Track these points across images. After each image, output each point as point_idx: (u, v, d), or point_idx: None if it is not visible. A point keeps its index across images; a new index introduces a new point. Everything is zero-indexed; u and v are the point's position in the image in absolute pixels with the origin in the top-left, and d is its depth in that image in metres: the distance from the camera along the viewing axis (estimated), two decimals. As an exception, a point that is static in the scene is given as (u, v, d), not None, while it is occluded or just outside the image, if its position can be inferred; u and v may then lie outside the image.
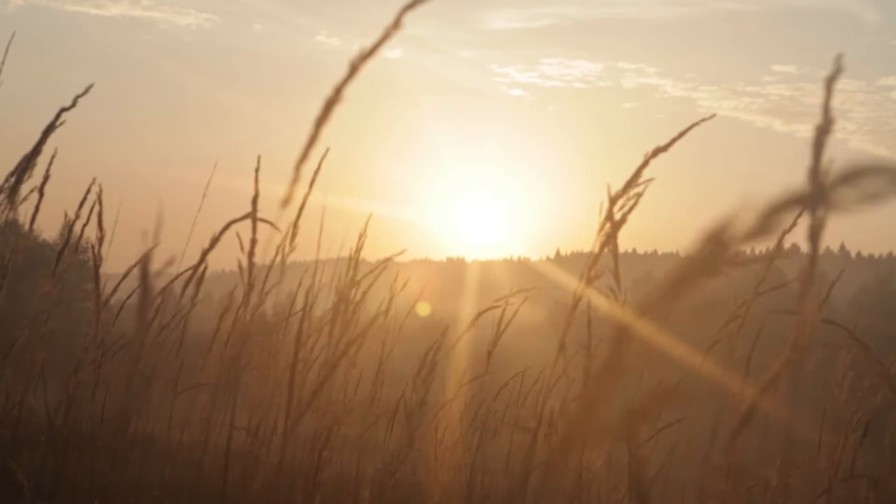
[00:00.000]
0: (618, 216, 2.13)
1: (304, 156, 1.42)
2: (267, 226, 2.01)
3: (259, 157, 2.31)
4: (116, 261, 3.29)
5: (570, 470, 2.88)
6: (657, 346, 0.64)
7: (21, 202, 2.67)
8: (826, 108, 0.81)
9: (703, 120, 2.23)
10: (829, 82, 0.84)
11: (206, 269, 3.02)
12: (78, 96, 2.67)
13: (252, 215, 2.06)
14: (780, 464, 2.74)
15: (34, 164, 2.66)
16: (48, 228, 12.83)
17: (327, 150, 2.44)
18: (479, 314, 3.60)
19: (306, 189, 2.23)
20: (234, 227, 2.37)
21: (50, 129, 2.66)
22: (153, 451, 3.77)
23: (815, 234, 0.80)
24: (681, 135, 2.10)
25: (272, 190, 1.60)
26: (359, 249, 3.48)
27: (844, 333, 2.80)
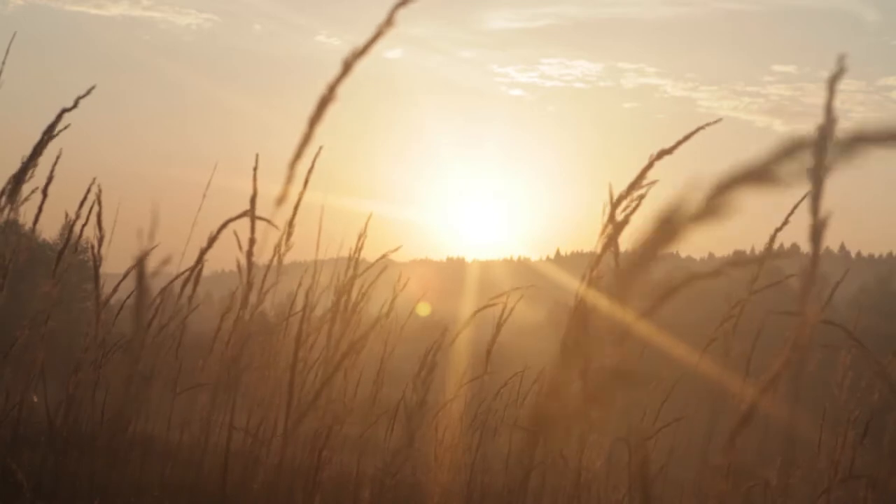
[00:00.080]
0: (620, 217, 2.12)
1: (299, 154, 1.42)
2: (265, 225, 2.01)
3: (257, 156, 2.31)
4: (116, 261, 3.29)
5: (570, 470, 2.88)
6: (621, 325, 0.65)
7: (22, 203, 2.67)
8: (828, 109, 0.81)
9: (709, 124, 2.23)
10: (832, 82, 0.84)
11: (201, 268, 3.02)
12: (79, 97, 2.67)
13: (250, 214, 2.06)
14: (780, 464, 2.74)
15: (35, 165, 2.66)
16: (48, 228, 12.82)
17: (321, 148, 2.44)
18: (476, 311, 3.60)
19: (301, 188, 2.23)
20: (234, 226, 2.37)
21: (50, 129, 2.66)
22: (153, 451, 3.77)
23: (816, 234, 0.80)
24: (686, 138, 2.09)
25: (272, 190, 1.60)
26: (359, 249, 3.48)
27: (844, 334, 2.80)
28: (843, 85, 0.84)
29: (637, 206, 2.14)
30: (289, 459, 3.13)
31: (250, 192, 2.19)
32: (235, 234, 2.33)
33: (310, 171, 2.40)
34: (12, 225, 2.83)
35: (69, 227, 3.25)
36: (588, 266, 2.11)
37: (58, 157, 2.92)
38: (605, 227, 2.13)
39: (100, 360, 3.21)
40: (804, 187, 0.59)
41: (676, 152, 2.09)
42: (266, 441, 3.29)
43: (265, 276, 2.59)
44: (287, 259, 2.79)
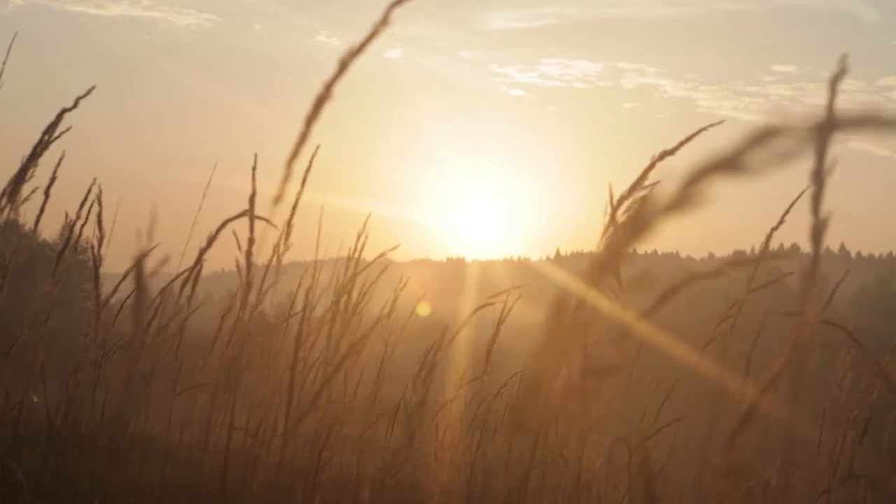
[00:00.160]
0: (622, 218, 2.12)
1: (296, 153, 1.42)
2: (265, 225, 2.01)
3: (256, 156, 2.31)
4: (116, 261, 3.29)
5: (570, 470, 2.88)
6: (602, 315, 0.65)
7: (22, 203, 2.67)
8: (830, 109, 0.81)
9: (712, 125, 2.22)
10: (834, 82, 0.84)
11: (200, 268, 3.02)
12: (79, 98, 2.67)
13: (249, 213, 2.06)
14: (780, 464, 2.74)
15: (35, 165, 2.66)
16: (48, 228, 12.80)
17: (318, 147, 2.44)
18: (475, 310, 3.60)
19: (294, 186, 2.23)
20: (233, 226, 2.37)
21: (50, 129, 2.66)
22: (153, 451, 3.77)
23: (817, 234, 0.80)
24: (688, 139, 2.09)
25: (272, 189, 1.60)
26: (361, 249, 3.48)
27: (844, 334, 2.80)
28: (843, 85, 0.84)
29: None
30: (289, 459, 3.13)
31: (250, 191, 2.19)
32: (234, 233, 2.33)
33: (307, 171, 2.40)
34: (12, 225, 2.83)
35: (70, 227, 3.25)
36: (588, 265, 2.10)
37: (61, 159, 2.92)
38: (607, 227, 2.13)
39: (100, 360, 3.21)
40: (775, 175, 0.59)
41: (677, 153, 2.09)
42: (266, 441, 3.29)
43: (264, 275, 2.59)
44: (287, 259, 2.78)
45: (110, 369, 3.31)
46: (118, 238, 3.30)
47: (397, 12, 1.31)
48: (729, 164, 0.58)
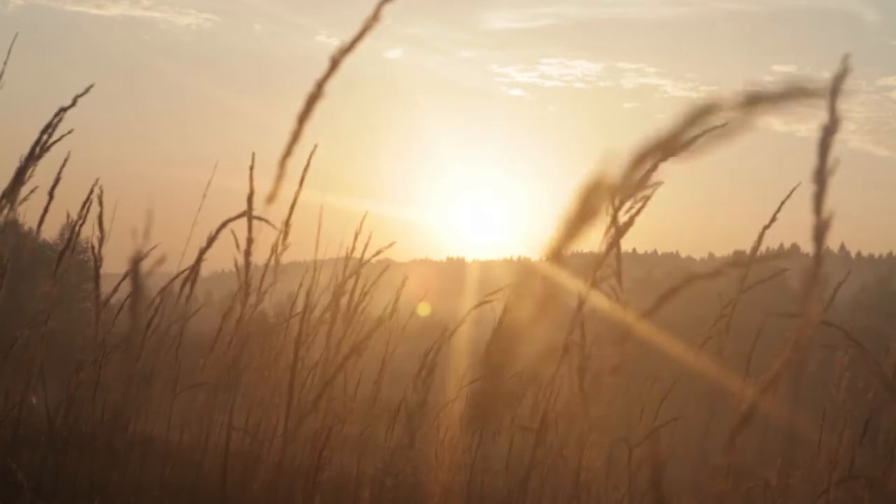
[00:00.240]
0: (624, 219, 2.12)
1: (288, 152, 1.42)
2: (264, 225, 2.01)
3: (253, 155, 2.31)
4: (116, 261, 3.29)
5: (569, 470, 2.88)
6: (557, 300, 0.66)
7: (21, 202, 2.67)
8: (832, 109, 0.80)
9: (716, 127, 2.22)
10: (836, 82, 0.84)
11: (199, 269, 3.02)
12: (77, 96, 2.67)
13: (248, 214, 2.06)
14: (781, 464, 2.74)
15: (35, 165, 2.66)
16: (47, 228, 12.80)
17: (315, 146, 2.44)
18: (473, 308, 3.60)
19: (289, 186, 2.23)
20: (232, 226, 2.37)
21: (48, 128, 2.66)
22: (153, 450, 3.77)
23: (819, 234, 0.80)
24: (691, 140, 2.08)
25: (270, 189, 1.59)
26: (363, 249, 3.48)
27: (842, 334, 2.80)
28: (843, 85, 0.84)
29: (642, 206, 2.14)
30: (289, 459, 3.13)
31: (248, 191, 2.19)
32: (233, 233, 2.33)
33: (305, 170, 2.40)
34: (12, 225, 2.83)
35: (70, 227, 3.25)
36: (591, 267, 2.10)
37: (66, 160, 2.92)
38: (608, 228, 2.13)
39: (100, 360, 3.21)
40: (713, 154, 0.60)
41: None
42: (267, 441, 3.29)
43: (263, 275, 2.59)
44: (286, 259, 2.79)
45: (110, 369, 3.31)
46: (119, 238, 3.31)
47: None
48: (670, 145, 0.59)
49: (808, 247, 0.84)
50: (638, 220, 2.13)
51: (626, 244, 2.23)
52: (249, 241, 2.09)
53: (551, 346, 0.65)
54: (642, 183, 0.59)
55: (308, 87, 1.32)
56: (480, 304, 3.60)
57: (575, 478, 2.61)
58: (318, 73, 1.32)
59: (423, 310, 4.50)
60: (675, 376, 3.76)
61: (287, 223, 2.62)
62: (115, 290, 3.31)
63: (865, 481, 2.82)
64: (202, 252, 2.61)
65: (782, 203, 2.82)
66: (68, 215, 3.29)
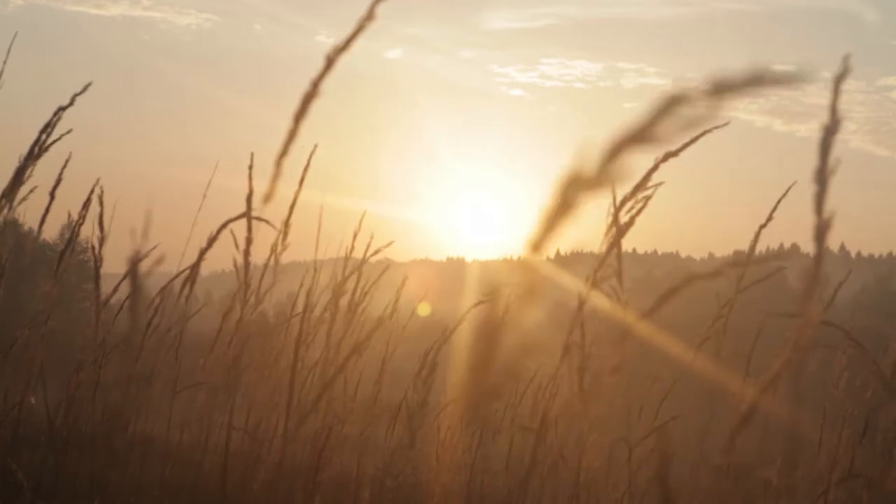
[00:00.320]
0: (625, 219, 2.12)
1: (284, 151, 1.42)
2: (264, 224, 2.01)
3: (252, 155, 2.30)
4: (116, 261, 3.29)
5: (569, 470, 2.88)
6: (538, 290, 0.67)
7: (20, 203, 2.66)
8: (834, 109, 0.80)
9: (717, 127, 2.21)
10: (837, 82, 0.83)
11: (198, 269, 3.01)
12: (76, 94, 2.67)
13: (247, 214, 2.06)
14: (781, 464, 2.74)
15: (34, 165, 2.66)
16: (47, 228, 12.79)
17: (315, 146, 2.43)
18: (472, 307, 3.60)
19: (289, 186, 2.23)
20: (231, 226, 2.37)
21: (47, 128, 2.65)
22: (153, 450, 3.76)
23: (821, 234, 0.80)
24: (692, 141, 2.08)
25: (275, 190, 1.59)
26: (365, 248, 3.48)
27: (842, 334, 2.80)
28: (844, 85, 0.84)
29: (643, 206, 2.13)
30: (289, 459, 3.13)
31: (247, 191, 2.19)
32: (232, 233, 2.33)
33: (305, 170, 2.40)
34: (11, 225, 2.83)
35: (71, 227, 3.24)
36: (592, 267, 2.10)
37: (67, 161, 2.92)
38: (610, 228, 2.13)
39: (100, 360, 3.21)
40: (684, 142, 0.61)
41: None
42: (267, 441, 3.28)
43: (262, 275, 2.59)
44: (287, 259, 2.78)
45: (110, 369, 3.30)
46: (119, 238, 3.30)
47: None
48: (641, 135, 0.59)
49: (808, 247, 0.84)
50: (638, 219, 2.13)
51: (626, 244, 2.23)
52: (248, 241, 2.09)
53: (532, 340, 0.66)
54: (617, 175, 0.60)
55: (307, 87, 1.32)
56: (479, 303, 3.60)
57: (575, 478, 2.61)
58: (327, 76, 1.32)
59: (423, 310, 4.50)
60: (675, 376, 3.76)
61: (287, 223, 2.61)
62: (115, 290, 3.30)
63: (864, 480, 2.82)
64: (202, 252, 2.60)
65: (778, 202, 2.83)
66: (69, 215, 3.29)
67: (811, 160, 0.81)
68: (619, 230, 2.10)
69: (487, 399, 0.65)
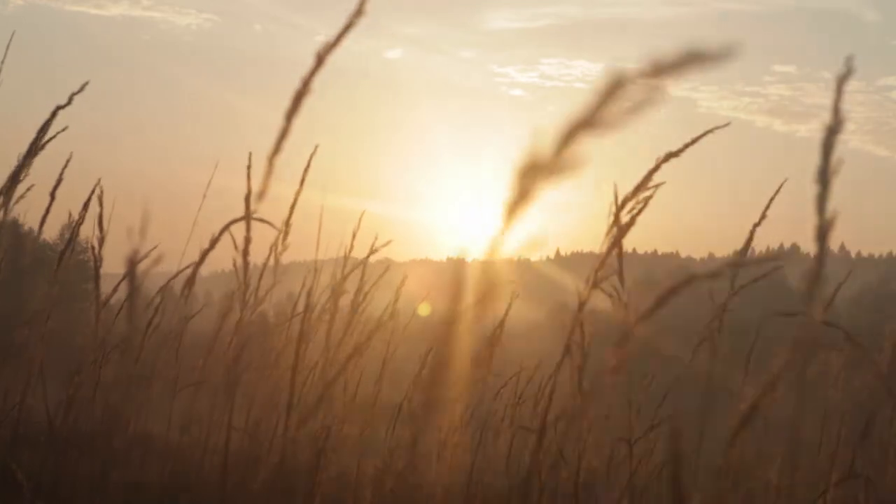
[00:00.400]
0: (626, 219, 2.11)
1: (277, 149, 1.42)
2: (263, 224, 2.01)
3: (250, 155, 2.30)
4: (116, 261, 3.29)
5: (570, 470, 2.88)
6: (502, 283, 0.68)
7: (16, 202, 2.66)
8: (836, 109, 0.80)
9: (718, 127, 2.21)
10: (840, 83, 0.83)
11: (197, 269, 3.01)
12: (73, 94, 2.67)
13: (246, 214, 2.06)
14: (781, 464, 2.74)
15: (31, 164, 2.66)
16: (47, 228, 12.79)
17: (316, 147, 2.43)
18: (471, 307, 3.58)
19: (290, 186, 2.23)
20: (231, 226, 2.36)
21: (45, 127, 2.65)
22: (153, 450, 3.76)
23: (822, 235, 0.80)
24: (693, 141, 2.08)
25: (272, 190, 1.59)
26: (368, 249, 3.48)
27: (842, 334, 2.80)
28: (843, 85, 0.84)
29: (644, 207, 2.13)
30: (289, 459, 3.13)
31: (252, 191, 2.19)
32: (231, 233, 2.32)
33: (306, 170, 2.39)
34: (10, 225, 2.82)
35: (71, 227, 3.24)
36: (593, 267, 2.10)
37: (68, 161, 2.92)
38: (610, 228, 2.13)
39: (100, 360, 3.21)
40: (632, 126, 0.61)
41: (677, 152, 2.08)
42: (267, 441, 3.28)
43: (261, 276, 2.58)
44: (287, 259, 2.78)
45: (110, 369, 3.30)
46: (118, 238, 3.30)
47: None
48: (589, 121, 0.60)
49: (808, 246, 0.84)
50: (641, 221, 2.12)
51: (626, 244, 2.22)
52: (247, 241, 2.09)
53: (485, 338, 0.68)
54: (570, 162, 0.60)
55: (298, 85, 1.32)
56: (479, 302, 3.60)
57: (575, 478, 2.61)
58: (319, 73, 1.32)
59: (424, 310, 4.50)
60: (674, 376, 3.76)
61: (287, 223, 2.61)
62: (115, 290, 3.30)
63: (862, 480, 2.82)
64: (205, 253, 2.60)
65: (771, 200, 2.82)
66: (70, 215, 3.29)
67: (812, 160, 0.81)
68: (619, 230, 2.10)
69: (447, 394, 0.66)
